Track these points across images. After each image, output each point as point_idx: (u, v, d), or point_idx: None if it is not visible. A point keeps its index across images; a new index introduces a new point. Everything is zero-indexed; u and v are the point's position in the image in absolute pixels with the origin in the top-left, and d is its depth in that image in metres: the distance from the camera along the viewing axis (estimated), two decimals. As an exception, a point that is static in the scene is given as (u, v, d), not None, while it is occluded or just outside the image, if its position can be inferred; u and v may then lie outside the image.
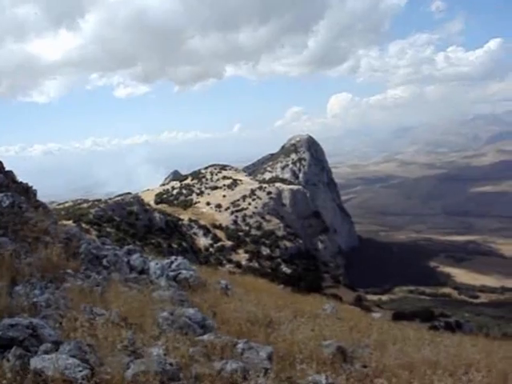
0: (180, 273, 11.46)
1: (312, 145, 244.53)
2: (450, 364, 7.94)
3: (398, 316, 49.72)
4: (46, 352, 5.22)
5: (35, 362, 4.91)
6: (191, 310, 8.01)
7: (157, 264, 11.83)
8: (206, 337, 6.97)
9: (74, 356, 5.09)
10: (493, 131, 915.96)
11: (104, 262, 10.98)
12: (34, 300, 7.10)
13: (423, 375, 6.98)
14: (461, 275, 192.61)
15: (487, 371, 7.48)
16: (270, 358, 6.59)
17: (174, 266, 11.93)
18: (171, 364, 5.49)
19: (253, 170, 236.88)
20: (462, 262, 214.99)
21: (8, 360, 4.98)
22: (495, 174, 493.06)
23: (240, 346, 6.77)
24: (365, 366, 7.34)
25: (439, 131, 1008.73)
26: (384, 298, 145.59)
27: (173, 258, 12.54)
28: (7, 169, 14.04)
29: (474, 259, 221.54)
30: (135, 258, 11.95)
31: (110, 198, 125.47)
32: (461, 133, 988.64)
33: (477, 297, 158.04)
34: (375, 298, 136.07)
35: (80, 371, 4.87)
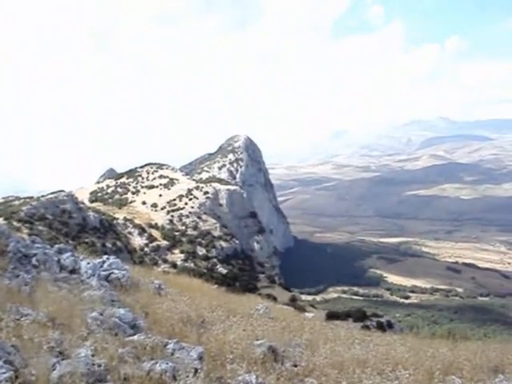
0: (112, 272, 11.28)
1: (249, 145, 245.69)
2: (378, 362, 8.11)
3: (331, 316, 50.32)
4: (-32, 354, 5.07)
5: (-45, 365, 4.76)
6: (122, 311, 7.90)
7: (88, 263, 11.60)
8: (136, 337, 6.89)
9: (-3, 357, 4.95)
10: (425, 136, 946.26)
11: (33, 260, 10.69)
12: (-43, 300, 6.88)
13: (352, 374, 7.11)
14: (393, 276, 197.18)
15: (414, 369, 7.67)
16: (200, 357, 6.58)
17: (106, 266, 11.71)
18: (99, 365, 5.41)
19: (190, 169, 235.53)
20: (393, 264, 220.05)
21: None
22: (427, 178, 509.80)
23: (170, 346, 6.73)
24: (295, 365, 7.43)
25: (374, 135, 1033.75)
26: (318, 298, 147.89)
27: (105, 257, 12.31)
28: None
29: (406, 261, 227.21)
30: (66, 257, 11.67)
31: (42, 196, 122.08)
32: (394, 137, 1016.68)
33: (408, 297, 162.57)
34: (310, 298, 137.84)
35: (3, 373, 4.76)
